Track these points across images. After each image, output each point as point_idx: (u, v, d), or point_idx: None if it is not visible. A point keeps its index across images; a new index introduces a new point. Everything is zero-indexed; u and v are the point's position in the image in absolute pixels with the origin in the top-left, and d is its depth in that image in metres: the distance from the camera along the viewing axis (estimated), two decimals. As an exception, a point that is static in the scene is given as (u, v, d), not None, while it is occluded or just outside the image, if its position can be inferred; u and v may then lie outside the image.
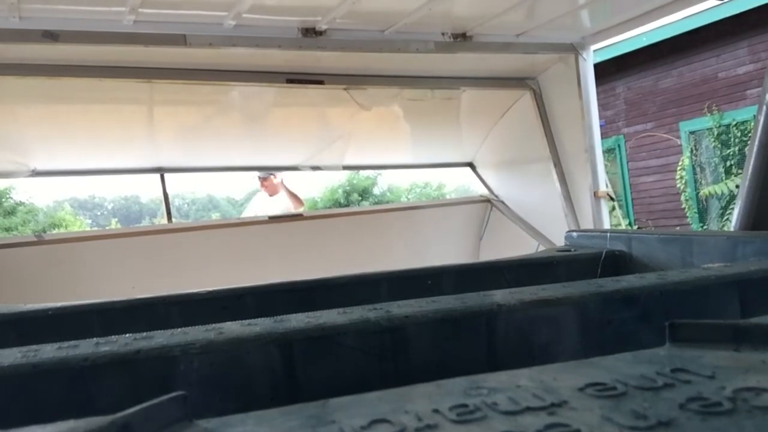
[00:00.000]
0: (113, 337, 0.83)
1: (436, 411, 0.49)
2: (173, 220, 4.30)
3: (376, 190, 18.53)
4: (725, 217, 8.84)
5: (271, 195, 5.26)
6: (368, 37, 3.04)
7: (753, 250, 1.38)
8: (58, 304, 1.30)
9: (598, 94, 3.59)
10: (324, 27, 2.91)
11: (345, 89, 3.60)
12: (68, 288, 3.10)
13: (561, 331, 0.96)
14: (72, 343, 0.81)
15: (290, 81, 3.36)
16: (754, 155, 1.77)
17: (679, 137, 9.66)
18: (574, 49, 3.47)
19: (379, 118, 4.03)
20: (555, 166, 3.76)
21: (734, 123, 8.85)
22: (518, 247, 3.68)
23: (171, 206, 4.23)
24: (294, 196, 5.24)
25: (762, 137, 1.75)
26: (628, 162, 10.49)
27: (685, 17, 8.55)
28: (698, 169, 9.47)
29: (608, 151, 10.18)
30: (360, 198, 17.41)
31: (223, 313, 1.35)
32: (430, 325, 0.88)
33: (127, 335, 0.83)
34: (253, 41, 2.85)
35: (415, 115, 4.04)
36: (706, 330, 0.64)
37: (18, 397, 0.73)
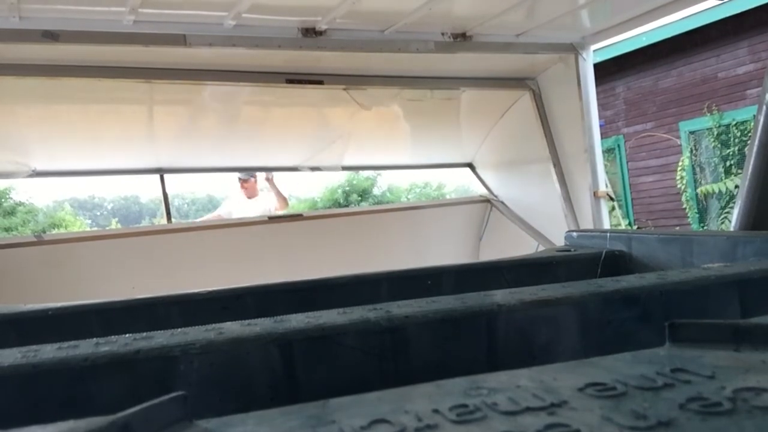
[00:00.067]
0: (113, 337, 0.83)
1: (436, 411, 0.49)
2: (173, 220, 4.30)
3: (375, 191, 18.53)
4: (722, 216, 8.84)
5: (249, 197, 5.22)
6: (368, 37, 3.04)
7: (753, 250, 1.38)
8: (58, 304, 1.30)
9: (597, 94, 3.59)
10: (324, 27, 2.90)
11: (345, 89, 3.60)
12: (68, 288, 3.10)
13: (561, 331, 0.96)
14: (72, 343, 0.80)
15: (290, 81, 3.36)
16: (754, 155, 1.77)
17: (678, 137, 9.66)
18: (574, 49, 3.47)
19: (378, 118, 4.03)
20: (555, 166, 3.76)
21: (734, 123, 8.85)
22: (518, 247, 3.68)
23: (171, 206, 4.23)
24: (281, 196, 5.19)
25: (762, 137, 1.75)
26: (627, 162, 10.49)
27: (685, 17, 8.55)
28: (698, 169, 9.47)
29: (608, 151, 10.17)
30: (360, 198, 17.40)
31: (223, 313, 1.35)
32: (430, 325, 0.88)
33: (127, 335, 0.83)
34: (253, 41, 2.85)
35: (415, 115, 4.04)
36: (706, 330, 0.64)
37: (18, 397, 0.73)
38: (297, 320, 0.87)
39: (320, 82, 3.44)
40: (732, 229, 1.85)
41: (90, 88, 3.08)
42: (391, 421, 0.47)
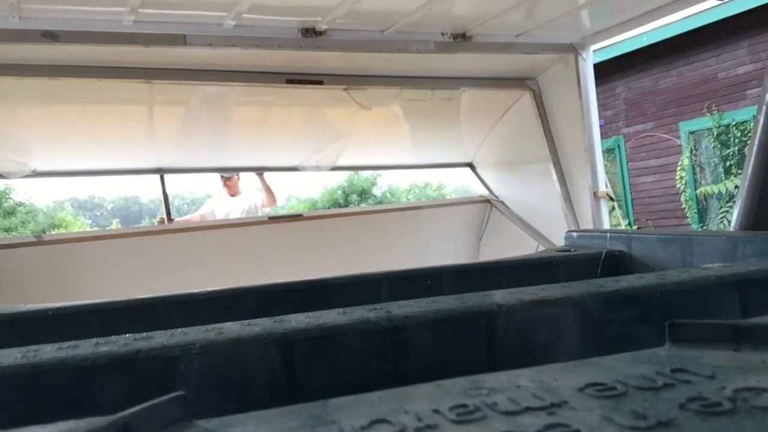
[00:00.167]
0: (113, 337, 0.83)
1: (436, 411, 0.49)
2: (173, 220, 4.30)
3: (375, 191, 18.53)
4: (720, 215, 8.83)
5: (232, 195, 5.21)
6: (368, 37, 3.04)
7: (753, 250, 1.38)
8: (58, 304, 1.30)
9: (597, 94, 3.59)
10: (324, 27, 2.91)
11: (345, 89, 3.60)
12: (68, 288, 3.10)
13: (561, 331, 0.96)
14: (72, 343, 0.80)
15: (290, 81, 3.36)
16: (754, 155, 1.77)
17: (678, 137, 9.65)
18: (574, 49, 3.47)
19: (378, 118, 4.03)
20: (555, 166, 3.76)
21: (734, 123, 8.85)
22: (518, 247, 3.68)
23: (171, 206, 4.23)
24: (270, 192, 5.14)
25: (762, 137, 1.75)
26: (627, 162, 10.49)
27: (684, 17, 8.55)
28: (698, 169, 9.47)
29: (608, 151, 10.17)
30: (359, 198, 17.41)
31: (223, 313, 1.35)
32: (430, 325, 0.88)
33: (127, 335, 0.83)
34: (253, 41, 2.85)
35: (415, 115, 4.04)
36: (706, 330, 0.64)
37: (18, 397, 0.73)
38: (297, 320, 0.87)
39: (320, 82, 3.44)
40: (732, 229, 1.85)
41: (90, 88, 3.08)
42: (391, 421, 0.47)
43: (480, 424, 0.46)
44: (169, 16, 2.65)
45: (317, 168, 4.21)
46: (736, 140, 8.84)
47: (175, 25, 2.70)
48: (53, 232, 13.74)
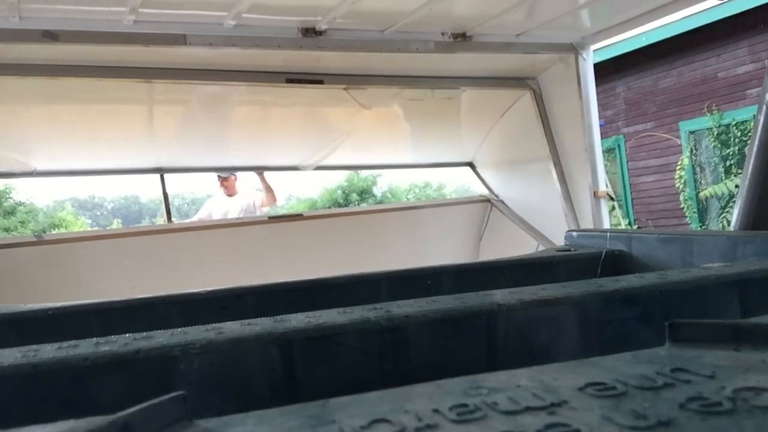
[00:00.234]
0: (113, 337, 0.83)
1: (436, 411, 0.49)
2: (173, 220, 4.30)
3: (376, 191, 18.53)
4: (722, 216, 8.83)
5: (229, 195, 5.20)
6: (368, 37, 3.04)
7: (753, 250, 1.38)
8: (58, 304, 1.30)
9: (597, 94, 3.59)
10: (324, 27, 2.90)
11: (345, 89, 3.60)
12: (68, 288, 3.10)
13: (561, 331, 0.96)
14: (72, 343, 0.80)
15: (290, 81, 3.36)
16: (754, 155, 1.77)
17: (678, 137, 9.65)
18: (574, 49, 3.47)
19: (379, 117, 4.03)
20: (555, 165, 3.76)
21: (734, 123, 8.85)
22: (518, 247, 3.68)
23: (171, 206, 4.23)
24: (270, 190, 5.13)
25: (762, 137, 1.75)
26: (627, 162, 10.49)
27: (684, 17, 8.55)
28: (698, 169, 9.47)
29: (608, 151, 10.17)
30: (359, 198, 17.41)
31: (223, 313, 1.35)
32: (430, 325, 0.88)
33: (127, 335, 0.83)
34: (253, 41, 2.85)
35: (415, 114, 4.04)
36: (706, 330, 0.64)
37: (18, 397, 0.73)
38: (297, 320, 0.87)
39: (320, 82, 3.44)
40: (732, 229, 1.85)
41: (90, 88, 3.08)
42: (391, 420, 0.47)
43: (480, 423, 0.46)
44: (169, 15, 2.65)
45: (317, 167, 4.21)
46: (736, 140, 8.84)
47: (175, 24, 2.70)
48: (53, 232, 13.75)
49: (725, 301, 1.07)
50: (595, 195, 3.51)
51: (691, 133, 9.48)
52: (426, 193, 19.58)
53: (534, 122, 3.84)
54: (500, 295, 0.97)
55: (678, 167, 9.61)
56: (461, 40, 3.18)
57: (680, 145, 9.63)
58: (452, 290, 1.40)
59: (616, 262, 1.77)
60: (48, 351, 0.77)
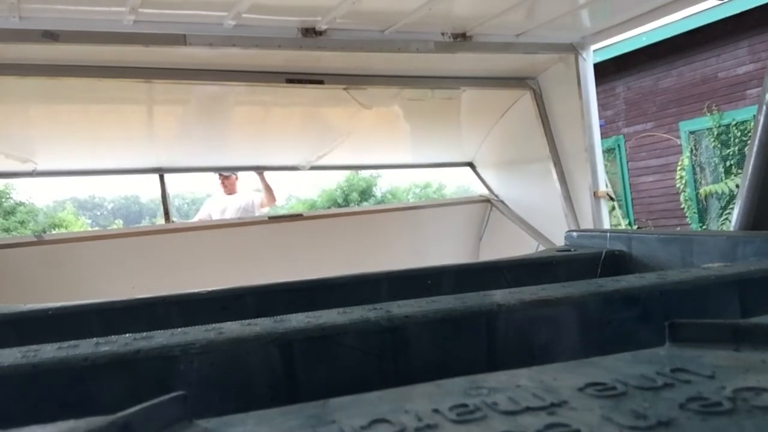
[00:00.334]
0: (113, 337, 0.83)
1: (436, 411, 0.49)
2: (173, 220, 4.30)
3: (376, 191, 18.54)
4: (724, 217, 8.84)
5: (228, 194, 5.20)
6: (368, 37, 3.04)
7: (753, 250, 1.38)
8: (58, 304, 1.30)
9: (598, 94, 3.59)
10: (324, 27, 2.90)
11: (345, 89, 3.60)
12: (68, 288, 3.10)
13: (561, 331, 0.96)
14: (72, 343, 0.80)
15: (290, 81, 3.36)
16: (754, 155, 1.77)
17: (678, 137, 9.66)
18: (574, 49, 3.47)
19: (379, 117, 4.03)
20: (555, 165, 3.76)
21: (734, 123, 8.85)
22: (518, 247, 3.68)
23: (171, 206, 4.23)
24: (269, 190, 5.12)
25: (762, 137, 1.75)
26: (628, 162, 10.49)
27: (685, 17, 8.55)
28: (698, 169, 9.48)
29: (608, 151, 10.18)
30: (359, 199, 17.42)
31: (223, 313, 1.35)
32: (430, 325, 0.88)
33: (127, 335, 0.83)
34: (253, 41, 2.85)
35: (415, 114, 4.04)
36: (706, 330, 0.64)
37: (18, 397, 0.73)
38: (297, 320, 0.87)
39: (320, 82, 3.44)
40: (732, 229, 1.85)
41: (90, 88, 3.08)
42: (391, 420, 0.47)
43: (480, 423, 0.46)
44: (169, 16, 2.65)
45: (317, 167, 4.21)
46: (736, 140, 8.84)
47: (175, 25, 2.70)
48: (53, 232, 13.75)
49: (725, 301, 1.07)
50: (595, 195, 3.51)
51: (691, 133, 9.48)
52: (426, 193, 19.59)
53: (534, 122, 3.84)
54: (500, 295, 0.97)
55: (679, 167, 9.61)
56: (461, 40, 3.18)
57: (680, 145, 9.64)
58: (452, 290, 1.40)
59: (616, 263, 1.77)
60: (48, 351, 0.77)
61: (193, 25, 2.73)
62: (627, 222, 9.83)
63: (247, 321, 0.88)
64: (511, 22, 3.14)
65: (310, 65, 3.33)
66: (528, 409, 0.48)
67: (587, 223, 3.53)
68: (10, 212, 15.89)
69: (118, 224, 22.88)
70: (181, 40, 2.70)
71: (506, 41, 3.31)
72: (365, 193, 17.89)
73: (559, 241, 2.20)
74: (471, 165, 4.67)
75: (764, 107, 1.77)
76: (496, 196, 4.45)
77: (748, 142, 2.16)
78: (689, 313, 1.04)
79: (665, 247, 1.66)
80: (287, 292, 1.48)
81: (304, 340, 0.82)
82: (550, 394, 0.51)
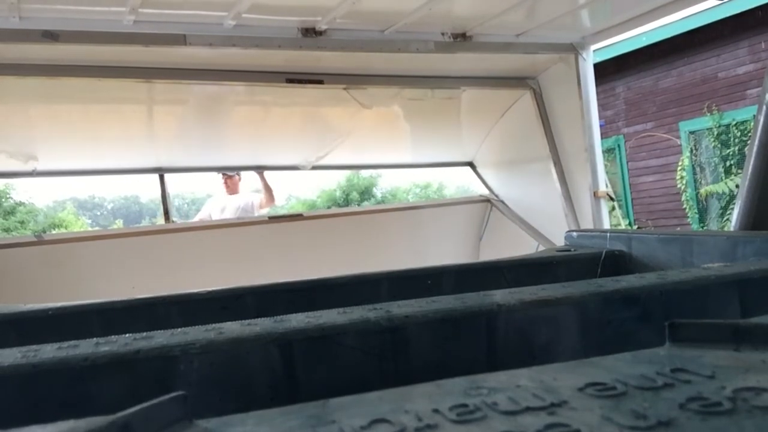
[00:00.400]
0: (113, 337, 0.83)
1: (436, 411, 0.49)
2: (173, 220, 4.29)
3: (376, 192, 18.54)
4: (725, 218, 8.84)
5: (230, 194, 5.21)
6: (368, 37, 3.04)
7: (753, 250, 1.38)
8: (58, 304, 1.30)
9: (598, 94, 3.59)
10: (324, 27, 2.90)
11: (345, 89, 3.60)
12: (68, 288, 3.10)
13: (561, 331, 0.96)
14: (72, 343, 0.80)
15: (290, 81, 3.36)
16: (754, 155, 1.77)
17: (678, 137, 9.66)
18: (574, 49, 3.47)
19: (379, 117, 4.03)
20: (555, 165, 3.76)
21: (734, 123, 8.85)
22: (518, 247, 3.68)
23: (171, 206, 4.22)
24: (269, 190, 5.12)
25: (762, 137, 1.75)
26: (628, 162, 10.49)
27: (684, 17, 8.55)
28: (698, 169, 9.48)
29: (608, 151, 10.18)
30: (359, 199, 17.42)
31: (223, 313, 1.35)
32: (430, 325, 0.88)
33: (127, 335, 0.83)
34: (252, 41, 2.85)
35: (415, 114, 4.04)
36: (706, 330, 0.64)
37: (18, 397, 0.73)
38: (297, 320, 0.87)
39: (320, 82, 3.44)
40: (732, 229, 1.85)
41: (90, 88, 3.08)
42: (391, 420, 0.47)
43: (480, 423, 0.46)
44: (169, 16, 2.65)
45: (317, 167, 4.21)
46: (736, 140, 8.84)
47: (175, 24, 2.70)
48: (53, 232, 13.75)
49: (725, 301, 1.07)
50: (595, 195, 3.51)
51: (691, 133, 9.48)
52: (427, 193, 19.59)
53: (534, 122, 3.84)
54: (500, 295, 0.97)
55: (679, 167, 9.61)
56: (461, 40, 3.18)
57: (680, 145, 9.64)
58: (452, 290, 1.40)
59: (616, 263, 1.77)
60: (48, 351, 0.77)
61: (193, 25, 2.73)
62: (627, 222, 9.83)
63: (247, 321, 0.88)
64: (511, 22, 3.14)
65: (310, 65, 3.33)
66: (528, 409, 0.48)
67: (587, 223, 3.53)
68: (10, 212, 15.88)
69: (118, 224, 22.86)
70: (181, 40, 2.71)
71: (506, 41, 3.31)
72: (365, 193, 17.89)
73: (559, 241, 2.20)
74: (471, 165, 4.67)
75: (764, 107, 1.77)
76: (496, 196, 4.45)
77: (748, 142, 2.16)
78: (689, 313, 1.04)
79: (665, 247, 1.66)
80: (287, 292, 1.48)
81: (304, 340, 0.82)
82: (550, 394, 0.51)
